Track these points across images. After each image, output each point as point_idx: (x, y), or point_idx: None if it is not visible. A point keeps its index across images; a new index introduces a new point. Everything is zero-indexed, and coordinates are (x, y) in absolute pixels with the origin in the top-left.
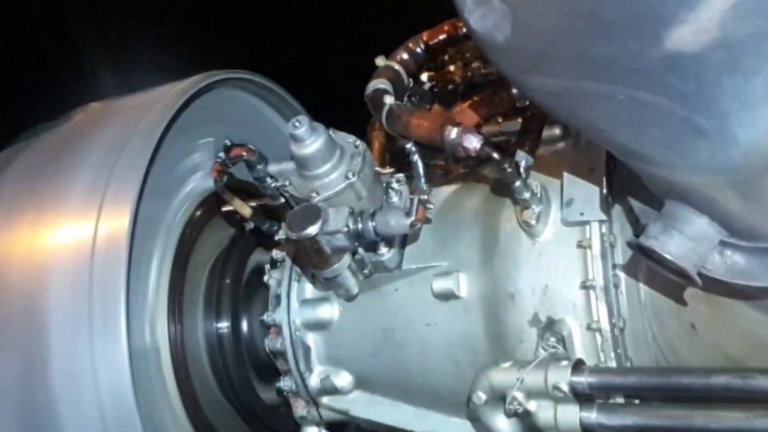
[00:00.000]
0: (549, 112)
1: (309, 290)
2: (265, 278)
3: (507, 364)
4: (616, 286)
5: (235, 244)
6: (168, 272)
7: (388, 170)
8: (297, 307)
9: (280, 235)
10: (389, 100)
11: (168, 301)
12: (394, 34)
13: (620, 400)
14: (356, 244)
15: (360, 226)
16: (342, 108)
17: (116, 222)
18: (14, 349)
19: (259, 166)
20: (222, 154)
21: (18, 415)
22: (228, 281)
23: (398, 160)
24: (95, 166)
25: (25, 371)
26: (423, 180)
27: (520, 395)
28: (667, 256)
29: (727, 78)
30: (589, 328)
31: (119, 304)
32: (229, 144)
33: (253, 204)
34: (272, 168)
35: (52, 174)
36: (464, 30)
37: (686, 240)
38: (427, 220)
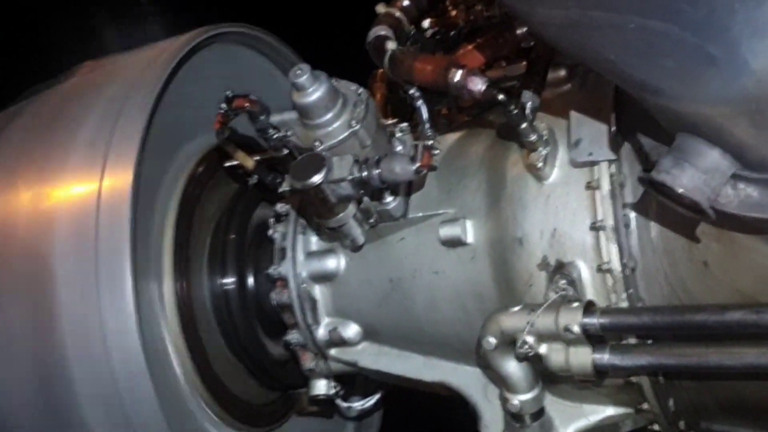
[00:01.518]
0: (556, 46)
1: (314, 242)
2: (270, 232)
3: (516, 308)
4: (627, 226)
5: (239, 199)
6: (172, 229)
7: (391, 121)
8: (302, 260)
9: (284, 187)
10: (391, 45)
11: (173, 258)
12: None
13: (633, 340)
14: (361, 192)
15: (365, 173)
16: (342, 61)
17: (119, 179)
18: (22, 308)
19: (262, 117)
20: (224, 105)
21: (29, 371)
22: (233, 236)
23: (400, 113)
24: (96, 124)
25: (34, 329)
26: (428, 125)
27: (530, 338)
28: (680, 190)
29: (739, 3)
30: (599, 269)
31: (125, 260)
32: (231, 95)
33: (257, 157)
34: (274, 118)
35: (54, 132)
36: None
37: (698, 173)
38: (432, 167)
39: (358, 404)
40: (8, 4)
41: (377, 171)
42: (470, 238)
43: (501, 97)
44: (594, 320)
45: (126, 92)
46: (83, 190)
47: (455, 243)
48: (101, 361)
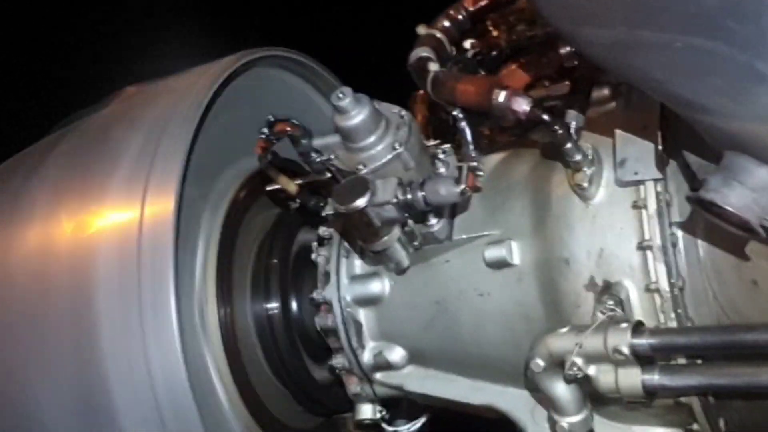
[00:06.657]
0: (602, 66)
1: (358, 266)
2: (313, 256)
3: (565, 330)
4: (674, 245)
5: (281, 223)
6: (215, 254)
7: (434, 142)
8: (347, 284)
9: (328, 211)
10: (434, 67)
11: (216, 283)
12: (434, 3)
13: (682, 360)
14: (406, 215)
15: (409, 196)
16: (382, 82)
17: (161, 206)
18: (65, 337)
19: (304, 141)
20: (266, 130)
21: (73, 401)
22: (275, 261)
23: (441, 134)
24: (137, 151)
25: (77, 357)
26: (472, 146)
27: (579, 360)
28: (729, 209)
29: None
30: (647, 289)
31: (168, 287)
32: (273, 119)
33: (299, 181)
34: (317, 142)
35: (94, 160)
36: None
37: (747, 191)
38: (477, 188)
39: (404, 428)
40: (42, 34)
41: (422, 193)
42: (516, 260)
43: (546, 117)
44: (643, 341)
45: (166, 119)
46: (125, 218)
47: (501, 264)
48: (145, 390)
